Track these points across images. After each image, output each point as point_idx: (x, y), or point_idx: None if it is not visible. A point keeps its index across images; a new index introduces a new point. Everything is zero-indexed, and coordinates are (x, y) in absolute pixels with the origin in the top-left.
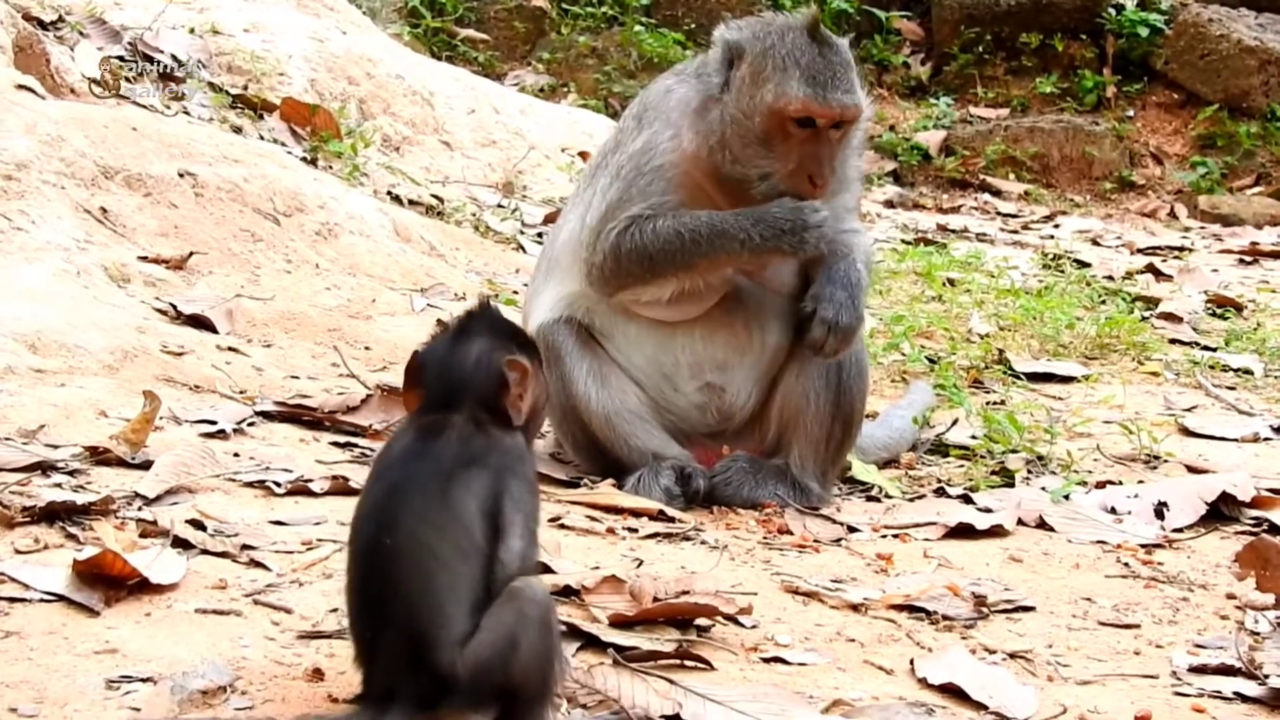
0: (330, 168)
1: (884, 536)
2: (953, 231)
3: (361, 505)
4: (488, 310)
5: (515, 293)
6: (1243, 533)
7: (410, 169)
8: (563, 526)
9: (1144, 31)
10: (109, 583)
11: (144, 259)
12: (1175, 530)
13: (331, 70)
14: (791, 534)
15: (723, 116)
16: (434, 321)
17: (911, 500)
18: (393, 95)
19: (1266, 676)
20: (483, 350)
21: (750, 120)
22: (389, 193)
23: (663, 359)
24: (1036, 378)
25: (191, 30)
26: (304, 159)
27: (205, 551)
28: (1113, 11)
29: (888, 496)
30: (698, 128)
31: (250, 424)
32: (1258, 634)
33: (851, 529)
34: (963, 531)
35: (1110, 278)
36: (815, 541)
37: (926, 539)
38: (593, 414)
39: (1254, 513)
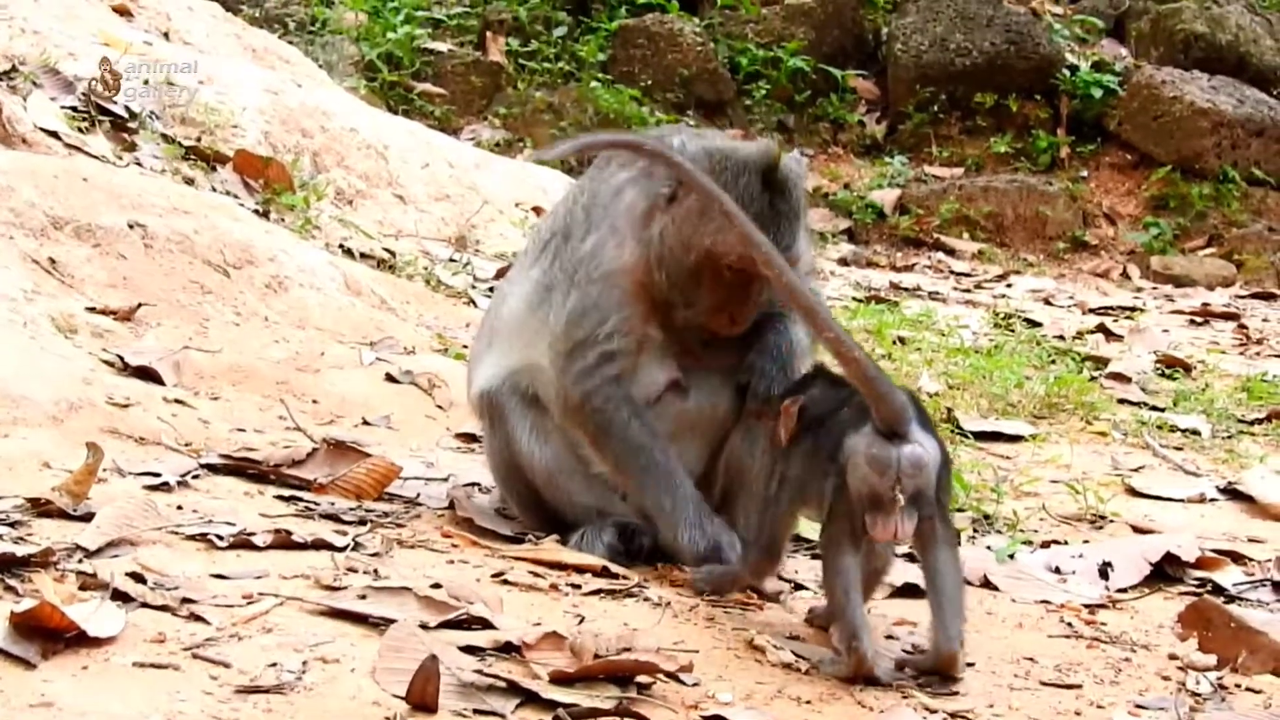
0: (282, 220)
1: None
2: (905, 290)
3: None
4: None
5: (465, 347)
6: (1186, 593)
7: (363, 222)
8: (506, 583)
9: (1098, 93)
10: (47, 635)
11: (92, 310)
12: (1119, 590)
13: (286, 123)
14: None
15: (663, 235)
16: (383, 374)
17: None
18: (347, 148)
19: None
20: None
21: (686, 255)
22: (341, 246)
23: None
24: (984, 436)
25: (145, 81)
26: (256, 211)
27: (145, 605)
28: (1067, 73)
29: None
30: (640, 237)
31: (194, 477)
32: (1199, 695)
33: (798, 586)
34: (908, 590)
35: (1061, 337)
36: (760, 598)
37: (872, 597)
38: (536, 471)
39: (1198, 573)
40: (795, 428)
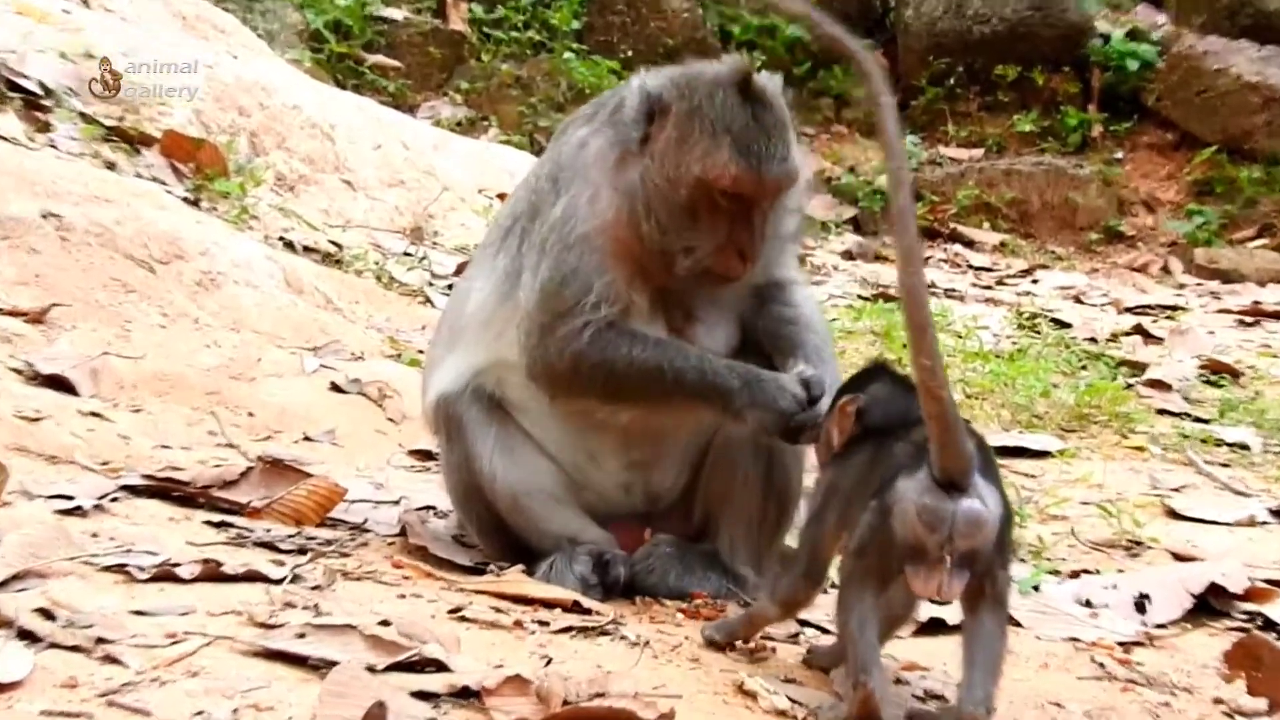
0: (215, 209)
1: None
2: None
3: None
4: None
5: (420, 352)
6: (1234, 629)
7: (306, 211)
8: (464, 619)
9: (1133, 65)
10: None
11: None
12: (1157, 626)
13: (220, 100)
14: None
15: (644, 178)
16: (328, 383)
17: None
18: (288, 128)
19: None
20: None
21: (675, 190)
22: (281, 238)
23: (586, 434)
24: (1006, 452)
25: (62, 55)
26: (186, 199)
27: (55, 645)
28: (1098, 42)
29: (834, 586)
30: (617, 185)
31: (113, 500)
32: None
33: (803, 623)
34: (926, 627)
35: (1093, 340)
36: (763, 639)
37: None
38: (499, 493)
39: (1246, 606)
40: (852, 430)
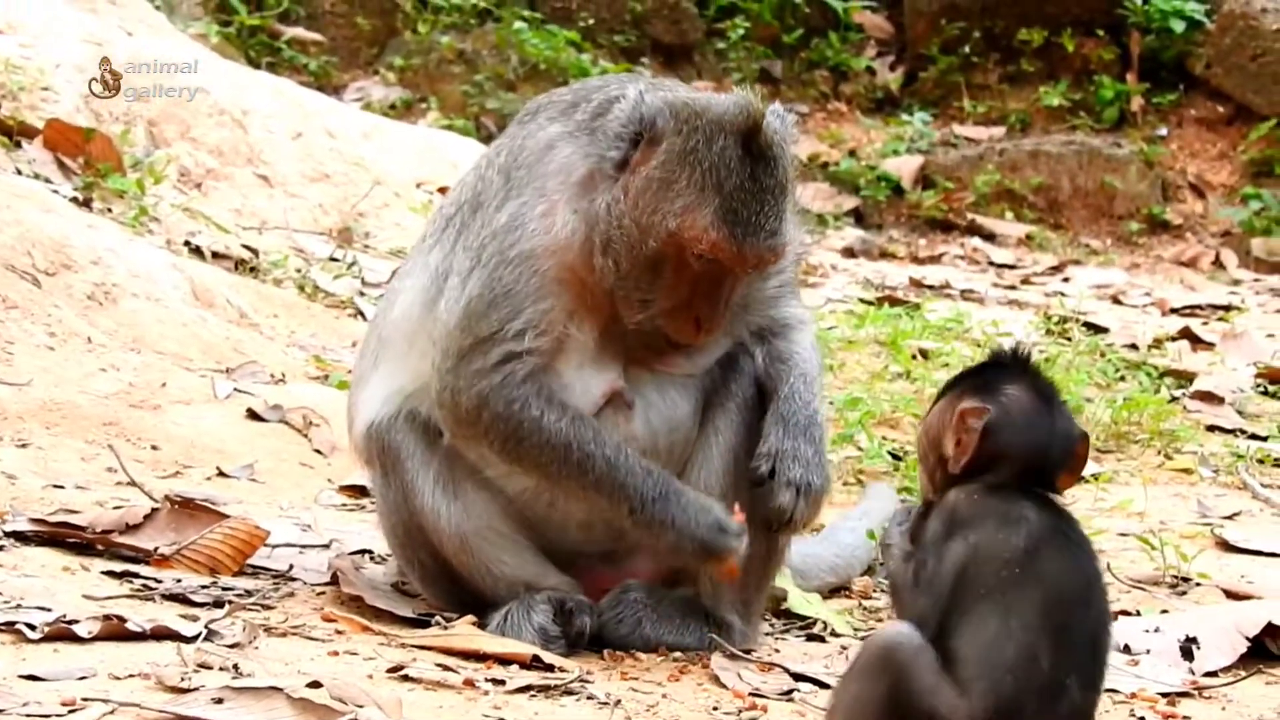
0: (109, 211)
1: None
2: (930, 288)
3: (1053, 559)
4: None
5: (350, 372)
6: None
7: (215, 212)
8: (406, 678)
9: (1179, 26)
10: None
11: None
12: (1207, 674)
13: None
14: (725, 687)
15: (610, 210)
16: (244, 410)
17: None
18: (193, 115)
19: None
20: (1070, 422)
21: (644, 237)
22: (186, 243)
23: None
24: None
25: None
26: (75, 200)
27: None
28: (1138, 0)
29: (834, 635)
30: (577, 207)
31: None
32: None
33: (798, 677)
34: None
35: (1133, 346)
36: (754, 696)
37: None
38: (444, 535)
39: None
40: (976, 450)
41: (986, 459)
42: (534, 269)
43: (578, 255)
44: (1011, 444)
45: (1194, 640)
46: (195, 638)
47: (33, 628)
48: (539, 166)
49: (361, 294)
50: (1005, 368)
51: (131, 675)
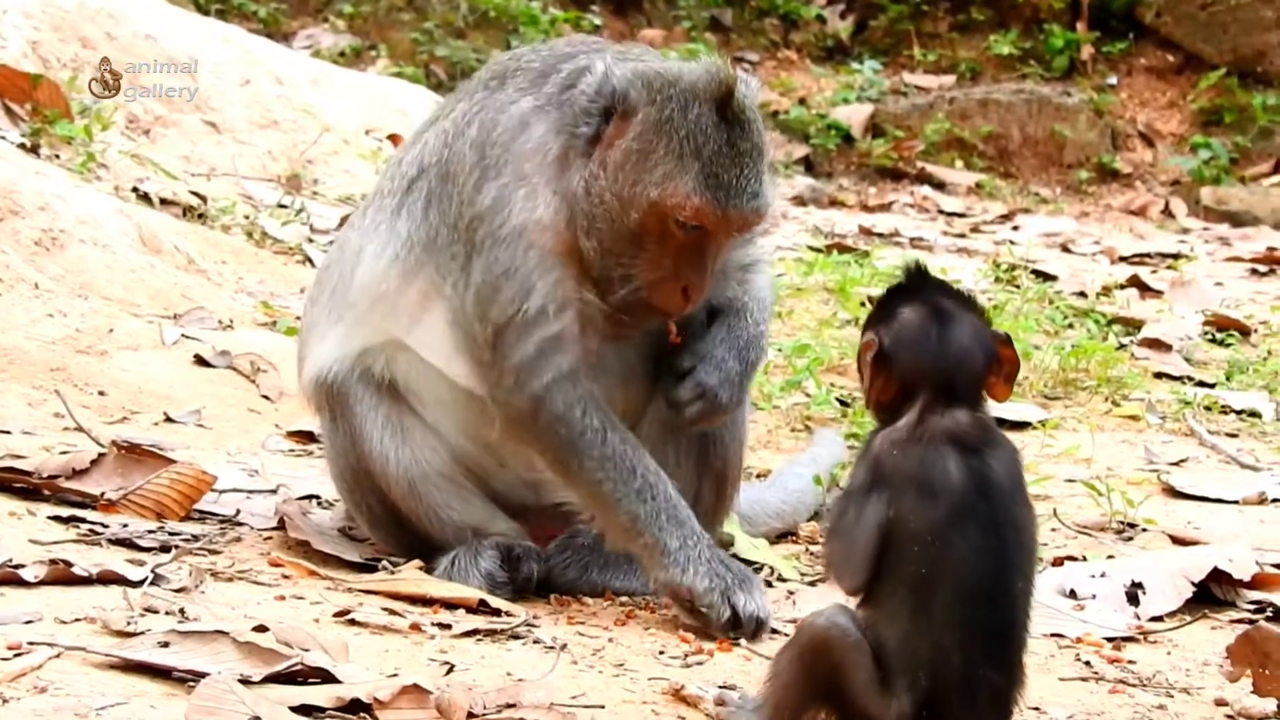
0: (57, 157)
1: (773, 633)
2: (879, 235)
3: (966, 540)
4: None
5: (299, 319)
6: (1239, 620)
7: (163, 158)
8: (353, 622)
9: None
10: None
11: None
12: (1152, 619)
13: (60, 29)
14: (672, 631)
15: (589, 189)
16: (192, 356)
17: (814, 584)
18: (142, 61)
19: None
20: (976, 327)
21: (625, 211)
22: (135, 189)
23: (485, 430)
24: None
25: None
26: (22, 146)
27: None
28: None
29: (782, 580)
30: (556, 187)
31: None
32: None
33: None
34: None
35: (1081, 294)
36: (701, 640)
37: None
38: (392, 479)
39: (1254, 595)
40: (881, 383)
41: (900, 390)
42: (529, 243)
43: (565, 234)
44: (909, 369)
45: (1140, 585)
46: (141, 582)
47: None
48: (515, 145)
49: (310, 240)
50: (906, 292)
51: (78, 619)
